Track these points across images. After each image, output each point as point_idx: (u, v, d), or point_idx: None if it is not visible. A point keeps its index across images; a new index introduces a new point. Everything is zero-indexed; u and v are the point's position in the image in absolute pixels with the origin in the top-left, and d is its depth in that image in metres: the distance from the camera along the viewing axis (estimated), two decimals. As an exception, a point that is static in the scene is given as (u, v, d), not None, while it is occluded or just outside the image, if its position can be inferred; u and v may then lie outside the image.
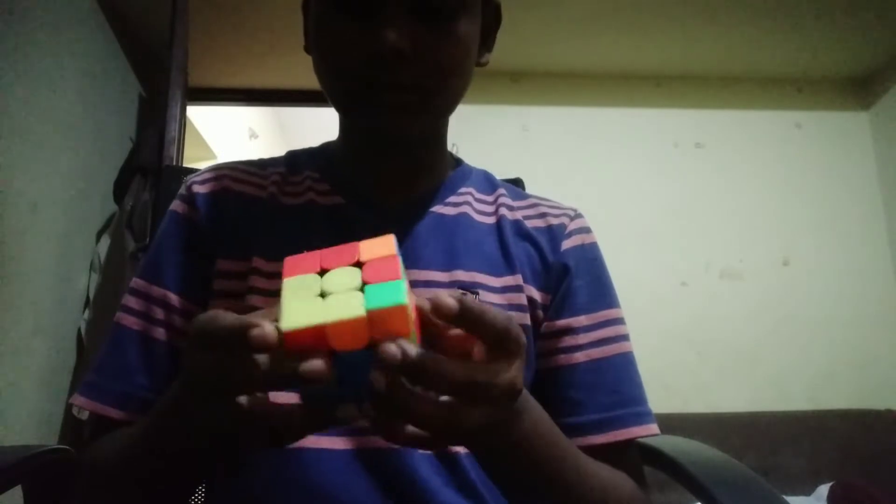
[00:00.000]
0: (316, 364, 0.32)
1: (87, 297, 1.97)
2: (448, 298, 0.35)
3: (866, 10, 2.24)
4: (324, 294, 0.35)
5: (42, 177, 1.70)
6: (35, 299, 1.68)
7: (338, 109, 0.63)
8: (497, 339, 0.37)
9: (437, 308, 0.35)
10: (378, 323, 0.34)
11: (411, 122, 0.59)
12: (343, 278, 0.36)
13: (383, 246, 0.39)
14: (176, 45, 1.72)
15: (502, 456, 0.44)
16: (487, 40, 0.66)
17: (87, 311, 1.95)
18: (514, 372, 0.38)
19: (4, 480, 0.58)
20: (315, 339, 0.33)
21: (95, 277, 1.99)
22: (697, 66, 2.66)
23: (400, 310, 0.34)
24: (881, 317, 2.53)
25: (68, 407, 1.85)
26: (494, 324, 0.37)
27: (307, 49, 0.65)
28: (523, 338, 0.38)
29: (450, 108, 0.63)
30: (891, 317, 2.53)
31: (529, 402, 0.45)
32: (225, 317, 0.36)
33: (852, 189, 2.65)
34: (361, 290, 0.35)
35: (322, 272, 0.37)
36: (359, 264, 0.38)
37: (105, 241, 2.02)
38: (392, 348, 0.33)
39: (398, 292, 0.34)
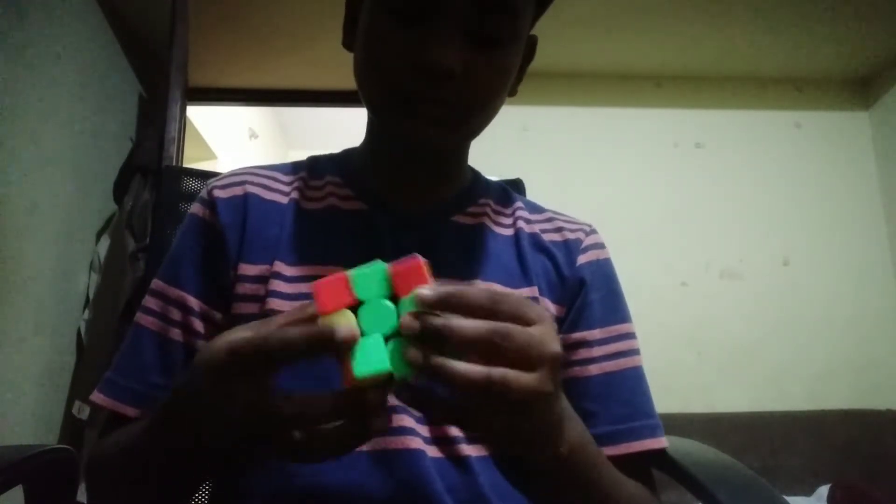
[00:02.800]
0: (345, 329, 0.36)
1: (87, 297, 1.97)
2: (478, 291, 0.38)
3: (866, 10, 2.24)
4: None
5: (42, 177, 1.70)
6: (35, 299, 1.68)
7: (371, 111, 0.64)
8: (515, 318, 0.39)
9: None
10: (400, 277, 0.39)
11: (443, 137, 0.60)
12: None
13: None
14: (176, 45, 1.72)
15: (554, 469, 0.45)
16: (521, 72, 0.67)
17: (86, 311, 1.95)
18: (543, 332, 0.39)
19: (4, 480, 0.59)
20: (339, 286, 0.39)
21: (95, 277, 1.99)
22: (697, 66, 2.66)
23: (417, 265, 0.39)
24: (881, 317, 2.53)
25: (68, 407, 1.85)
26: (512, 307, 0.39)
27: (346, 45, 0.65)
28: (545, 311, 0.40)
29: (479, 130, 0.64)
30: (891, 317, 2.53)
31: (573, 413, 0.47)
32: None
33: (852, 189, 2.65)
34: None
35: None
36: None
37: (105, 241, 2.02)
38: (425, 289, 0.37)
39: (417, 258, 0.40)
